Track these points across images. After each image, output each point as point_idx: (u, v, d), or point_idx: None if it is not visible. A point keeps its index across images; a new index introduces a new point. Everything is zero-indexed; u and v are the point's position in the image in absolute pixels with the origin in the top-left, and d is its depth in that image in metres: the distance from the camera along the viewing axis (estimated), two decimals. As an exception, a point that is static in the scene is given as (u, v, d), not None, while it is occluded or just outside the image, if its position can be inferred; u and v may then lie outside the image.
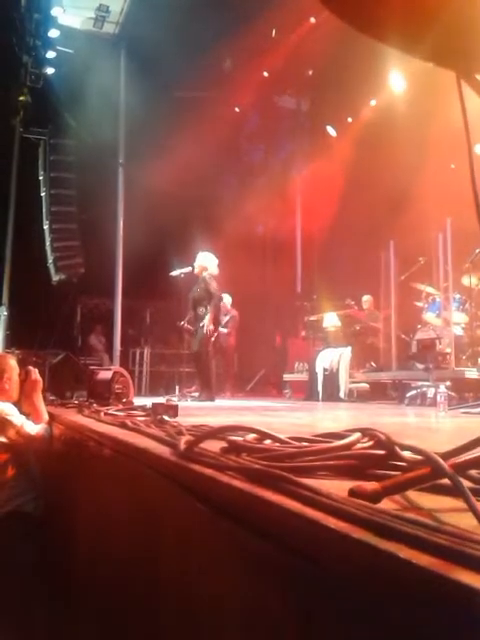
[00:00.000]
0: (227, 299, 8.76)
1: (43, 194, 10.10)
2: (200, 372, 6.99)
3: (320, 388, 7.42)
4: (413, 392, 5.83)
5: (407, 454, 1.14)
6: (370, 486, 0.95)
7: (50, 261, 9.83)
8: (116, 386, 4.18)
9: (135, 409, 3.41)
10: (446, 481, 0.92)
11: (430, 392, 5.37)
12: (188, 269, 7.01)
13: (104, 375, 4.28)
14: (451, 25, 0.88)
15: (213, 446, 1.46)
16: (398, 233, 7.42)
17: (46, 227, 9.98)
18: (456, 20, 0.88)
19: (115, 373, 4.31)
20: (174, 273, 7.13)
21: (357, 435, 1.34)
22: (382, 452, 1.21)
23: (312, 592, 0.86)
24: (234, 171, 12.85)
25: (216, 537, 1.18)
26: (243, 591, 1.07)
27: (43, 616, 2.83)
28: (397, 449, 1.17)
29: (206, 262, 6.93)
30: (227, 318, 8.89)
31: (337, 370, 7.27)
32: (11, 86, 9.95)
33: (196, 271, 6.93)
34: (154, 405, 2.83)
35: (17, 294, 10.13)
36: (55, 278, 9.79)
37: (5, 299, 10.16)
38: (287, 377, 9.28)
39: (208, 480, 1.23)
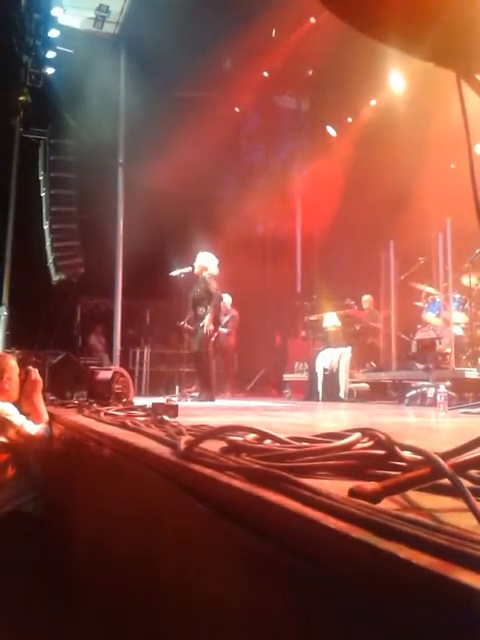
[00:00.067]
0: (227, 299, 8.76)
1: (43, 194, 10.10)
2: (200, 372, 6.99)
3: (320, 388, 7.42)
4: (413, 392, 5.83)
5: (407, 454, 1.14)
6: (370, 486, 0.95)
7: (50, 261, 9.83)
8: (116, 386, 4.18)
9: (135, 409, 3.41)
10: (446, 481, 0.92)
11: (430, 392, 5.37)
12: (188, 269, 7.01)
13: (104, 375, 4.28)
14: (451, 25, 0.88)
15: (213, 446, 1.46)
16: (398, 233, 7.42)
17: (46, 227, 9.98)
18: (456, 20, 0.88)
19: (115, 373, 4.31)
20: (174, 273, 7.13)
21: (357, 435, 1.34)
22: (382, 452, 1.21)
23: (312, 592, 0.86)
24: (234, 171, 12.84)
25: (216, 537, 1.18)
26: (243, 591, 1.07)
27: (43, 616, 2.83)
28: (397, 449, 1.17)
29: (206, 262, 6.93)
30: (227, 318, 8.89)
31: (337, 370, 7.27)
32: (11, 86, 9.95)
33: (196, 271, 6.94)
34: (154, 405, 2.83)
35: (17, 294, 10.13)
36: (55, 278, 9.79)
37: (5, 299, 10.16)
38: (287, 377, 9.28)
39: (208, 480, 1.23)
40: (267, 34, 10.02)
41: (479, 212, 0.90)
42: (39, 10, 9.52)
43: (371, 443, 1.29)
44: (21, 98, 9.90)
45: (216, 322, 6.80)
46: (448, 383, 5.13)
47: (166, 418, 2.49)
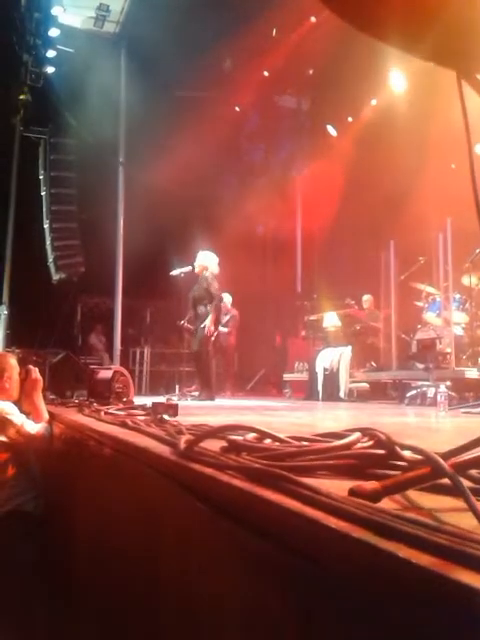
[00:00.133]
0: (227, 299, 8.77)
1: (43, 193, 10.10)
2: (200, 371, 6.99)
3: (320, 388, 7.42)
4: (413, 392, 5.83)
5: (407, 454, 1.14)
6: (370, 486, 0.95)
7: (50, 260, 9.83)
8: (116, 385, 4.18)
9: (135, 408, 3.41)
10: (446, 481, 0.92)
11: (430, 392, 5.37)
12: (188, 268, 7.01)
13: (104, 374, 4.28)
14: (451, 25, 0.88)
15: (213, 445, 1.46)
16: (398, 233, 7.42)
17: (46, 226, 9.98)
18: (456, 20, 0.88)
19: (115, 372, 4.31)
20: (174, 272, 7.13)
21: (357, 435, 1.34)
22: (382, 452, 1.21)
23: (312, 592, 0.86)
24: (234, 171, 12.84)
25: (216, 536, 1.18)
26: (243, 591, 1.07)
27: (43, 615, 2.84)
28: (397, 449, 1.17)
29: (206, 261, 6.93)
30: (227, 317, 8.89)
31: (337, 370, 7.27)
32: (11, 85, 9.95)
33: (196, 270, 6.93)
34: (154, 404, 2.83)
35: (17, 293, 10.14)
36: (55, 277, 9.80)
37: (5, 298, 10.16)
38: (287, 377, 9.28)
39: (208, 479, 1.23)
40: (267, 33, 10.01)
41: (479, 212, 0.90)
42: (39, 9, 9.52)
43: (371, 443, 1.29)
44: (21, 97, 9.91)
45: (216, 322, 6.81)
46: (448, 383, 5.13)
47: (166, 417, 2.49)
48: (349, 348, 7.45)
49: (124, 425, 2.34)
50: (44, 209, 10.05)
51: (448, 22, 0.88)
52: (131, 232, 10.27)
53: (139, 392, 9.34)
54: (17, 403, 3.44)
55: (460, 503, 0.88)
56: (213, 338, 6.75)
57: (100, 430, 2.34)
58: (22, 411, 3.38)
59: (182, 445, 1.50)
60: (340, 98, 10.36)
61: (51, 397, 5.00)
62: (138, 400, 4.38)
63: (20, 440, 3.23)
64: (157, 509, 1.56)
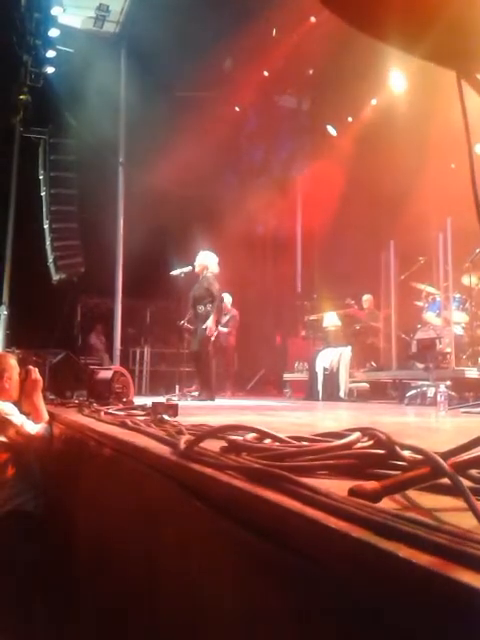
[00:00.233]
0: (227, 298, 8.77)
1: (43, 193, 10.09)
2: (200, 371, 6.99)
3: (320, 388, 7.42)
4: (413, 392, 5.83)
5: (407, 454, 1.14)
6: (370, 485, 0.95)
7: (50, 260, 9.82)
8: (116, 385, 4.18)
9: (135, 408, 3.41)
10: (446, 481, 0.92)
11: (430, 392, 5.37)
12: (188, 268, 7.01)
13: (104, 374, 4.28)
14: (451, 24, 0.88)
15: (213, 445, 1.46)
16: (398, 233, 7.43)
17: (46, 226, 9.97)
18: (456, 20, 0.88)
19: (115, 372, 4.31)
20: (174, 272, 7.13)
21: (357, 434, 1.34)
22: (382, 451, 1.21)
23: (312, 592, 0.86)
24: (234, 170, 12.83)
25: (216, 536, 1.18)
26: (243, 591, 1.07)
27: (43, 615, 2.84)
28: (397, 449, 1.17)
29: (207, 261, 6.93)
30: (227, 317, 8.89)
31: (337, 370, 7.27)
32: (11, 85, 9.94)
33: (197, 270, 6.93)
34: (154, 404, 2.83)
35: (17, 293, 10.13)
36: (55, 277, 9.79)
37: (5, 298, 10.16)
38: (287, 376, 9.28)
39: (208, 479, 1.23)
40: (267, 33, 10.01)
41: (479, 212, 0.90)
42: (39, 9, 9.52)
43: (371, 442, 1.29)
44: (21, 97, 9.89)
45: (216, 323, 6.81)
46: (448, 383, 5.14)
47: (166, 417, 2.48)
48: (349, 348, 7.45)
49: (124, 425, 2.34)
50: (44, 209, 10.05)
51: (448, 22, 0.88)
52: (131, 232, 10.28)
53: (139, 392, 9.34)
54: (17, 403, 3.44)
55: (460, 503, 0.88)
56: (213, 338, 6.75)
57: (100, 430, 2.34)
58: (22, 411, 3.38)
59: (182, 445, 1.50)
60: (340, 98, 10.36)
61: (51, 397, 5.00)
62: (138, 400, 4.38)
63: (20, 440, 3.23)
64: (157, 509, 1.56)
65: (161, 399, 4.21)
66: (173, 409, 2.76)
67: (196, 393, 6.97)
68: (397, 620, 0.69)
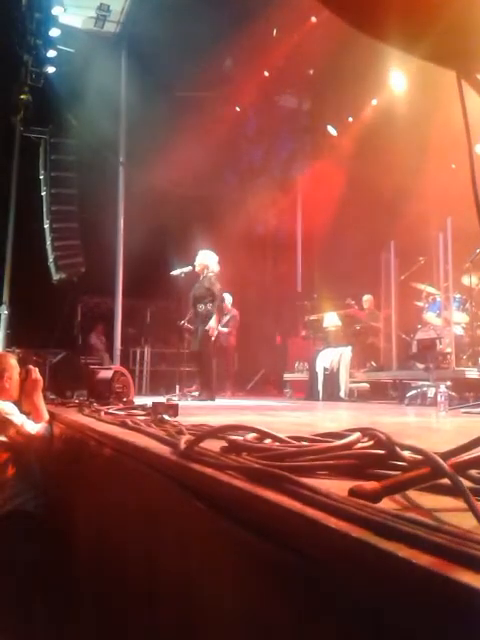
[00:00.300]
0: (228, 298, 8.77)
1: (43, 193, 10.09)
2: (200, 371, 7.00)
3: (320, 388, 7.42)
4: (413, 392, 5.83)
5: (407, 454, 1.14)
6: (370, 486, 0.95)
7: (51, 260, 9.82)
8: (116, 385, 4.18)
9: (135, 408, 3.41)
10: (446, 481, 0.92)
11: (430, 392, 5.37)
12: (189, 268, 7.01)
13: (104, 374, 4.28)
14: (451, 24, 0.88)
15: (213, 445, 1.46)
16: (398, 233, 7.43)
17: (46, 226, 9.97)
18: (456, 19, 0.88)
19: (115, 372, 4.31)
20: (175, 272, 7.13)
21: (357, 435, 1.33)
22: (382, 452, 1.21)
23: (312, 592, 0.86)
24: (234, 170, 12.84)
25: (216, 536, 1.18)
26: (243, 591, 1.07)
27: (43, 615, 2.84)
28: (397, 449, 1.17)
29: (207, 260, 6.93)
30: (227, 317, 8.90)
31: (337, 370, 7.28)
32: (12, 85, 9.94)
33: (197, 269, 6.94)
34: (154, 404, 2.83)
35: (18, 293, 10.14)
36: (56, 277, 9.79)
37: (6, 298, 10.16)
38: (287, 376, 9.28)
39: (208, 479, 1.23)
40: (268, 33, 10.02)
41: (479, 212, 0.90)
42: (40, 9, 9.52)
43: (371, 443, 1.29)
44: (22, 97, 9.89)
45: (217, 323, 6.81)
46: (448, 383, 5.13)
47: (166, 417, 2.48)
48: (349, 348, 7.45)
49: (124, 425, 2.34)
50: (44, 209, 10.04)
51: (448, 22, 0.88)
52: (131, 232, 10.28)
53: (139, 392, 9.34)
54: (17, 403, 3.44)
55: (460, 503, 0.88)
56: (213, 338, 6.75)
57: (100, 430, 2.34)
58: (22, 411, 3.38)
59: (182, 445, 1.50)
60: (340, 98, 10.37)
61: (51, 397, 5.00)
62: (138, 400, 4.38)
63: (20, 440, 3.23)
64: (157, 509, 1.56)
65: (161, 399, 4.21)
66: (173, 409, 2.76)
67: (196, 393, 6.98)
68: (397, 620, 0.69)
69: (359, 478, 1.07)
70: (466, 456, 1.00)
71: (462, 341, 6.29)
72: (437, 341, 6.11)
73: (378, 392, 7.41)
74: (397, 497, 1.00)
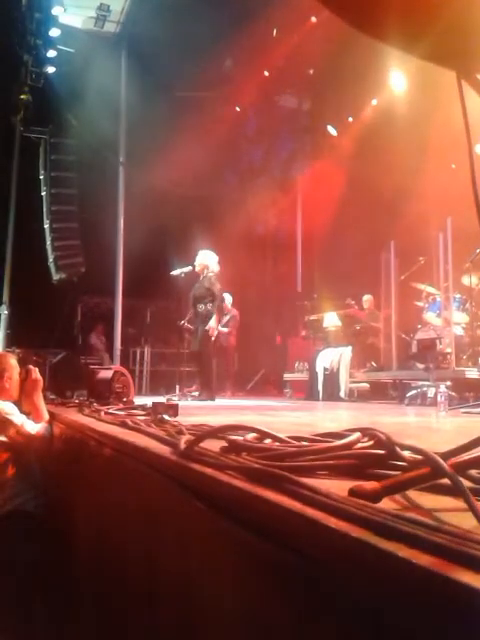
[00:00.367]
0: (228, 298, 8.77)
1: (43, 193, 10.09)
2: (200, 371, 7.00)
3: (320, 388, 7.42)
4: (413, 392, 5.83)
5: (407, 454, 1.14)
6: (370, 486, 0.95)
7: (51, 260, 9.82)
8: (116, 385, 4.18)
9: (135, 408, 3.41)
10: (446, 481, 0.92)
11: (430, 392, 5.37)
12: (189, 268, 7.01)
13: (104, 374, 4.28)
14: (451, 24, 0.88)
15: (213, 445, 1.46)
16: (398, 233, 7.43)
17: (46, 226, 9.97)
18: (456, 19, 0.88)
19: (115, 372, 4.31)
20: (175, 272, 7.13)
21: (357, 435, 1.33)
22: (382, 452, 1.21)
23: (312, 592, 0.86)
24: (234, 170, 12.84)
25: (216, 536, 1.18)
26: (243, 591, 1.07)
27: (43, 615, 2.84)
28: (397, 449, 1.17)
29: (207, 260, 6.93)
30: (227, 317, 8.90)
31: (337, 370, 7.28)
32: (12, 85, 9.94)
33: (197, 269, 6.94)
34: (154, 404, 2.83)
35: (18, 293, 10.14)
36: (56, 277, 9.79)
37: (6, 298, 10.16)
38: (287, 376, 9.28)
39: (208, 479, 1.23)
40: (268, 33, 10.02)
41: (479, 212, 0.90)
42: (40, 9, 9.52)
43: (371, 443, 1.29)
44: (22, 97, 9.89)
45: (217, 323, 6.81)
46: (448, 383, 5.13)
47: (166, 417, 2.48)
48: (349, 348, 7.45)
49: (124, 425, 2.34)
50: (44, 209, 10.04)
51: (448, 22, 0.88)
52: (131, 232, 10.28)
53: (139, 392, 9.34)
54: (17, 403, 3.44)
55: (460, 503, 0.88)
56: (213, 338, 6.75)
57: (100, 430, 2.34)
58: (22, 411, 3.38)
59: (182, 445, 1.50)
60: (340, 98, 10.37)
61: (51, 397, 5.00)
62: (138, 400, 4.38)
63: (20, 440, 3.23)
64: (157, 509, 1.56)
65: (161, 399, 4.21)
66: (173, 409, 2.76)
67: (196, 393, 6.98)
68: (397, 620, 0.69)
69: (359, 478, 1.07)
70: (466, 456, 1.00)
71: (462, 341, 6.28)
72: (437, 341, 6.11)
73: (378, 392, 7.41)
74: (397, 497, 1.00)
